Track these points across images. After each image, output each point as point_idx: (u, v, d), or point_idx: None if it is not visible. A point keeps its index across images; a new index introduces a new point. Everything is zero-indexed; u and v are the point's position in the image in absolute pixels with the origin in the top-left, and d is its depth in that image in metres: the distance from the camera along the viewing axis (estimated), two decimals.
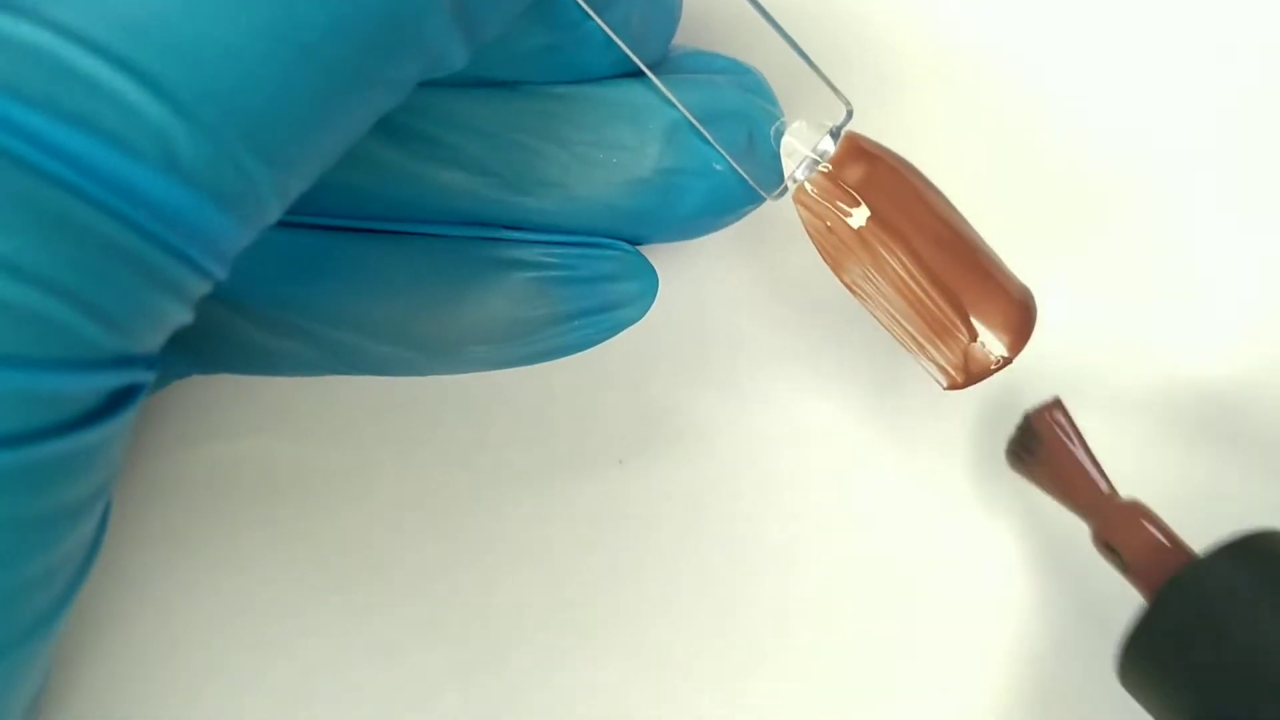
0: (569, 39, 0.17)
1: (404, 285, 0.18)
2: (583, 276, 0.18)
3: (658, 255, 0.19)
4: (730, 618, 0.21)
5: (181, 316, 0.14)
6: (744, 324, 0.22)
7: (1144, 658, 0.18)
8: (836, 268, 0.18)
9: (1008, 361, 0.18)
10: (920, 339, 0.18)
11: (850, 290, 0.18)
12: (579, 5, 0.16)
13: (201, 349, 0.18)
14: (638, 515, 0.21)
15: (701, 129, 0.17)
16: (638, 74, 0.18)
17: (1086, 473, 0.19)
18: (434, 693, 0.21)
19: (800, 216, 0.18)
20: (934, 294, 0.18)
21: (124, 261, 0.12)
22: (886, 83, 0.22)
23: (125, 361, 0.13)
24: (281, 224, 0.17)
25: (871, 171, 0.18)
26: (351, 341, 0.18)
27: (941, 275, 0.18)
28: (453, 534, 0.21)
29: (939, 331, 0.18)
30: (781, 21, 0.18)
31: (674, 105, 0.17)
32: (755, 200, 0.19)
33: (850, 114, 0.18)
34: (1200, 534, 0.18)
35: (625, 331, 0.19)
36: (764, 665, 0.21)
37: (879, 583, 0.22)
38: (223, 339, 0.18)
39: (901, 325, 0.18)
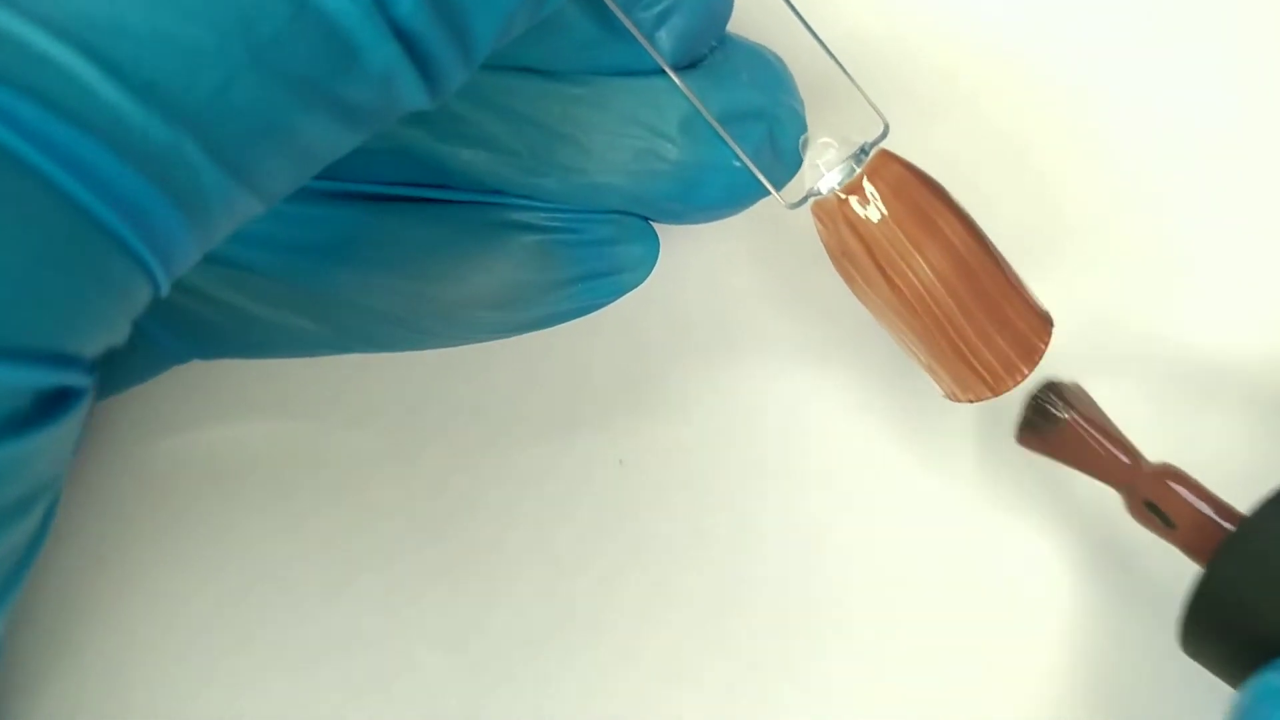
0: (614, 34, 0.17)
1: (412, 251, 0.18)
2: (586, 240, 0.18)
3: (668, 246, 0.19)
4: (730, 617, 0.21)
5: (119, 326, 0.13)
6: (746, 324, 0.22)
7: (1207, 620, 0.18)
8: (851, 283, 0.18)
9: (1011, 388, 0.18)
10: (930, 359, 0.18)
11: (863, 304, 0.18)
12: (609, 3, 0.16)
13: (201, 330, 0.19)
14: (638, 515, 0.21)
15: (724, 133, 0.17)
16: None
17: (1110, 447, 0.19)
18: (432, 688, 0.21)
19: (818, 231, 0.18)
20: (948, 319, 0.17)
21: (68, 241, 0.12)
22: (912, 100, 0.21)
23: (59, 359, 0.12)
24: (296, 195, 0.17)
25: (898, 191, 0.17)
26: (358, 309, 0.18)
27: (958, 301, 0.17)
28: (452, 532, 0.21)
29: (950, 355, 0.18)
30: (810, 35, 0.18)
31: (700, 97, 0.17)
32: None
33: (886, 131, 0.18)
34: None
35: (626, 330, 0.19)
36: (763, 665, 0.21)
37: (881, 581, 0.21)
38: (224, 316, 0.18)
39: (911, 346, 0.18)
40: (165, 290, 0.13)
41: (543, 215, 0.18)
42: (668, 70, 0.17)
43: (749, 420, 0.22)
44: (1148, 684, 0.21)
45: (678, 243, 0.21)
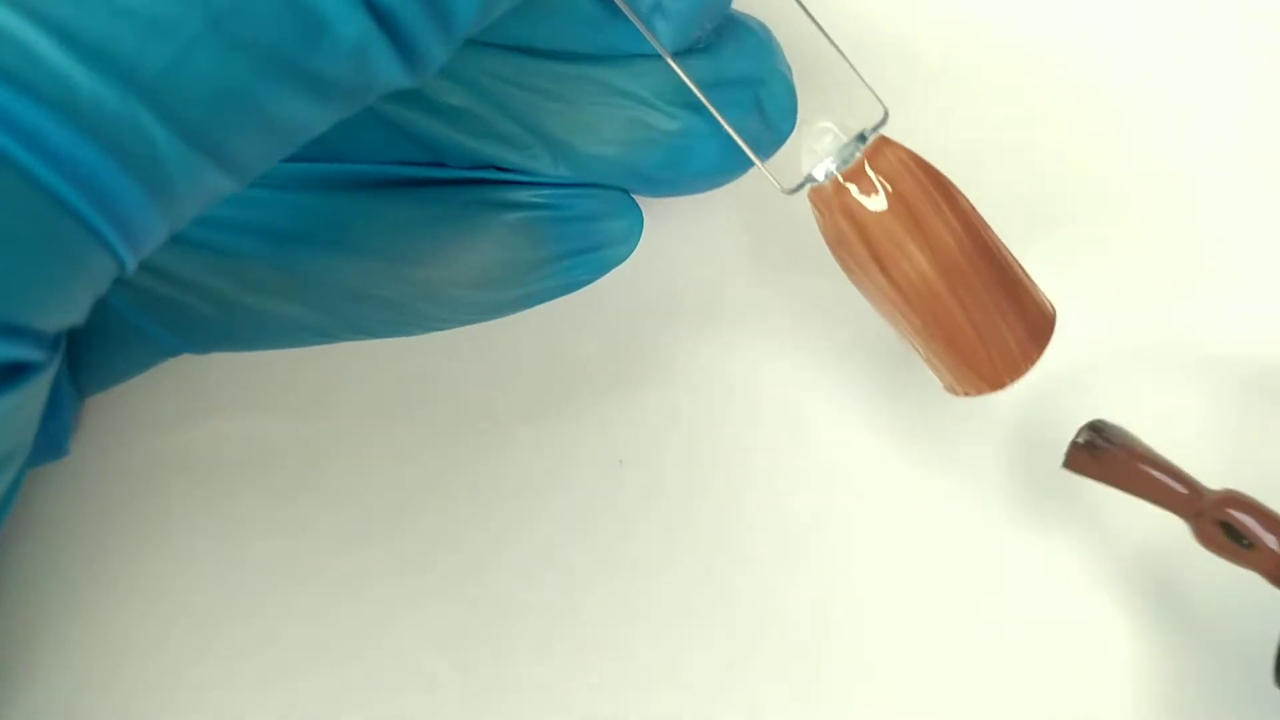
0: (613, 13, 0.17)
1: (397, 232, 0.18)
2: (570, 216, 0.18)
3: (664, 234, 0.19)
4: (730, 616, 0.21)
5: (79, 301, 0.13)
6: (746, 325, 0.22)
7: None
8: (849, 272, 0.18)
9: (1015, 380, 0.17)
10: (930, 350, 0.17)
11: (862, 293, 0.18)
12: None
13: (190, 321, 0.18)
14: (637, 514, 0.21)
15: (716, 113, 0.17)
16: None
17: (1167, 484, 0.18)
18: (430, 687, 0.20)
19: (815, 218, 0.18)
20: (945, 313, 0.17)
21: (19, 213, 0.12)
22: (911, 84, 0.21)
23: (13, 332, 0.12)
24: (276, 183, 0.18)
25: (897, 179, 0.17)
26: (345, 293, 0.18)
27: (956, 295, 0.17)
28: (452, 533, 0.21)
29: (948, 350, 0.17)
30: (808, 20, 0.17)
31: (687, 66, 0.17)
32: (762, 157, 0.18)
33: (886, 117, 0.17)
34: None
35: (627, 330, 0.19)
36: (763, 664, 0.21)
37: (881, 581, 0.21)
38: (212, 306, 0.18)
39: (911, 337, 0.17)
40: (131, 267, 0.13)
41: (527, 192, 0.18)
42: (660, 49, 0.17)
43: (749, 420, 0.21)
44: (1144, 686, 0.21)
45: (676, 233, 0.21)
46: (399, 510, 0.21)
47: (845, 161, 0.17)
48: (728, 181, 0.19)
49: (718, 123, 0.17)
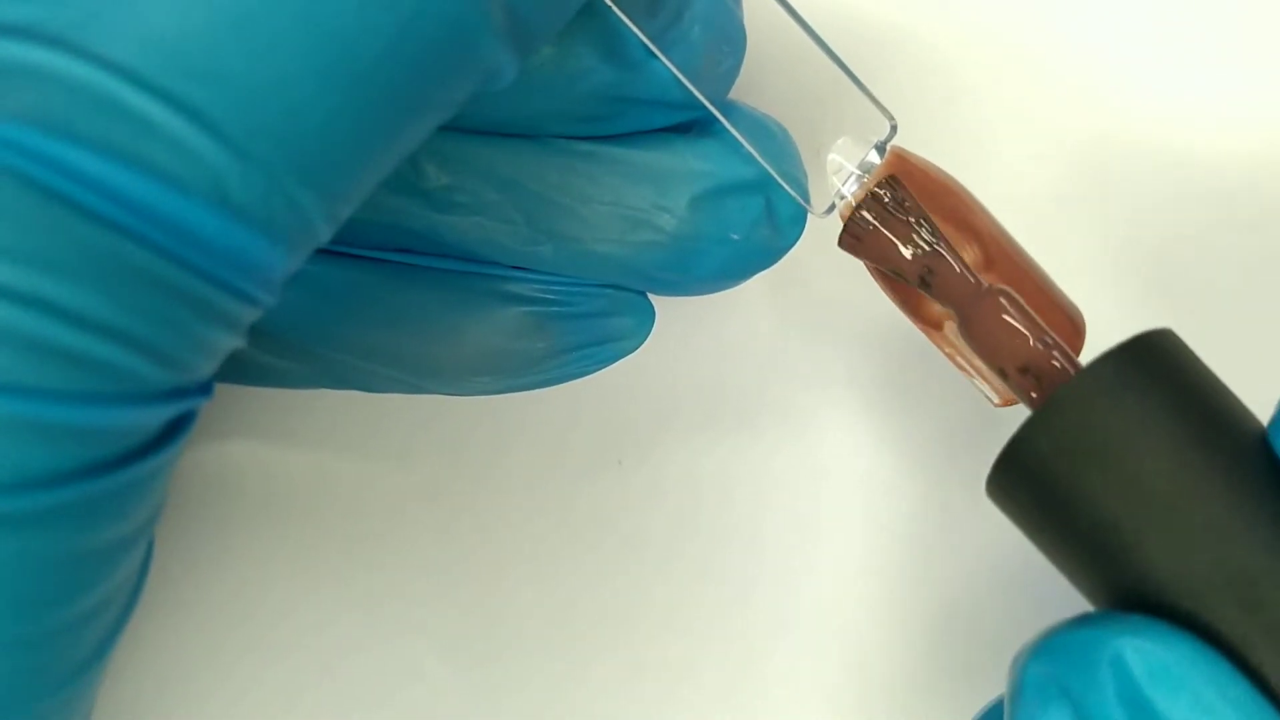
0: (633, 79, 0.17)
1: (408, 316, 0.18)
2: (579, 312, 0.19)
3: None
4: (728, 619, 0.21)
5: (234, 343, 0.13)
6: (745, 326, 0.22)
7: (1023, 472, 0.16)
8: (884, 284, 0.18)
9: None
10: (970, 358, 0.18)
11: (899, 306, 0.18)
12: (644, 43, 0.16)
13: None
14: (637, 515, 0.21)
15: (760, 157, 0.17)
16: (677, 130, 0.18)
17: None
18: (432, 693, 0.20)
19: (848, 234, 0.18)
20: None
21: (177, 299, 0.12)
22: (929, 97, 0.22)
23: (179, 393, 0.13)
24: None
25: (916, 186, 0.17)
26: (357, 366, 0.18)
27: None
28: (450, 535, 0.21)
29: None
30: (823, 34, 0.17)
31: (698, 169, 0.18)
32: (769, 263, 0.19)
33: (894, 129, 0.18)
34: None
35: None
36: (762, 668, 0.21)
37: (880, 586, 0.21)
38: (229, 358, 0.17)
39: (952, 343, 0.18)
40: (275, 301, 0.13)
41: (536, 287, 0.18)
42: (698, 95, 0.16)
43: (749, 420, 0.22)
44: None
45: None
46: (397, 511, 0.21)
47: (868, 172, 0.17)
48: (733, 286, 0.19)
49: (725, 227, 0.17)
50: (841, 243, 0.17)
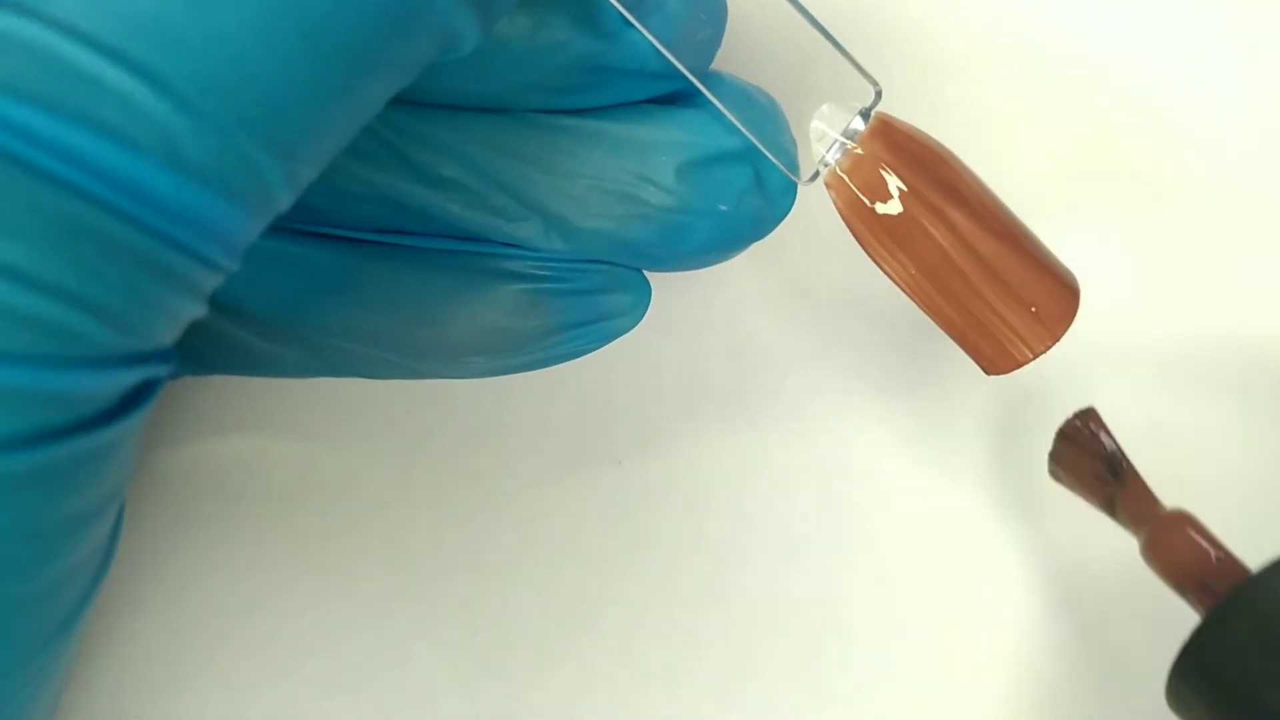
0: (610, 49, 0.16)
1: (402, 297, 0.18)
2: (575, 289, 0.18)
3: None
4: (728, 619, 0.21)
5: (195, 310, 0.13)
6: (747, 322, 0.22)
7: (1200, 675, 0.17)
8: (872, 251, 0.18)
9: (1051, 345, 0.17)
10: (960, 324, 0.17)
11: (886, 274, 0.18)
12: (619, 11, 0.16)
13: (196, 351, 0.18)
14: (637, 515, 0.21)
15: (741, 126, 0.17)
16: (657, 102, 0.18)
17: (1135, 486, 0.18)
18: (433, 692, 0.20)
19: (833, 200, 0.18)
20: (975, 277, 0.17)
21: (133, 261, 0.12)
22: (916, 65, 0.22)
23: (139, 359, 0.13)
24: (281, 237, 0.18)
25: (903, 152, 0.17)
26: (351, 350, 0.18)
27: (983, 257, 0.17)
28: (451, 534, 0.21)
29: (980, 317, 0.17)
30: (809, 3, 0.17)
31: (681, 140, 0.17)
32: (760, 235, 0.18)
33: (879, 95, 0.17)
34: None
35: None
36: (762, 668, 0.21)
37: (880, 587, 0.21)
38: (220, 344, 0.18)
39: (941, 310, 0.17)
40: (236, 266, 0.13)
41: (530, 264, 0.18)
42: (673, 60, 0.16)
43: (748, 421, 0.21)
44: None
45: None
46: (395, 512, 0.21)
47: (852, 138, 0.17)
48: (723, 261, 0.19)
49: (713, 201, 0.17)
50: (1051, 472, 0.19)
